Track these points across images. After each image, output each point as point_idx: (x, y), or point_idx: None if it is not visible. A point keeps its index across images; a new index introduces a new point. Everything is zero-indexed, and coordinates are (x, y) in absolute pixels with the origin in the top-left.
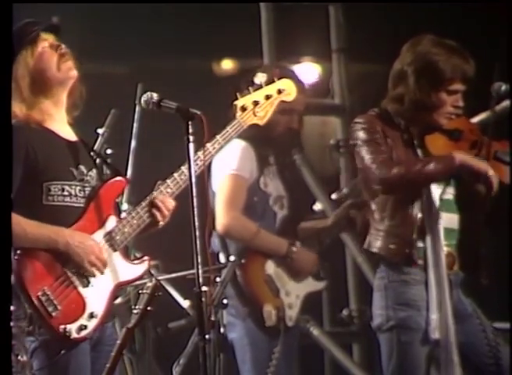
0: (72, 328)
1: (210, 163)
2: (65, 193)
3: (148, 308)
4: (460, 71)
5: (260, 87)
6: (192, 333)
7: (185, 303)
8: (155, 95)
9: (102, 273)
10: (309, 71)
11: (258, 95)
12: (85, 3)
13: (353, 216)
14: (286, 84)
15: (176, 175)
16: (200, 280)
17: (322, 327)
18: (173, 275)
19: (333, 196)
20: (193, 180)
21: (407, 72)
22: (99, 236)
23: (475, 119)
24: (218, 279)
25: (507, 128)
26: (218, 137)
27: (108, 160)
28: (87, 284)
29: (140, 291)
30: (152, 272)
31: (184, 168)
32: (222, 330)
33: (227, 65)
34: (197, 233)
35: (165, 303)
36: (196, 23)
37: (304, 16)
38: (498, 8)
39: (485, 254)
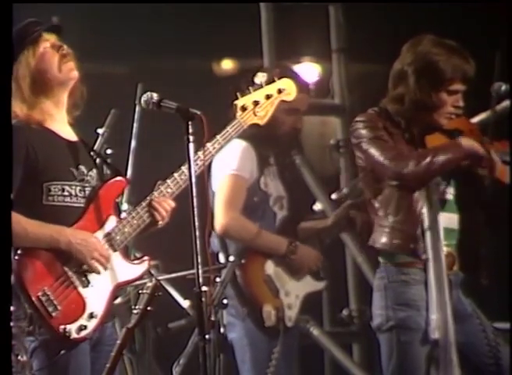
0: (72, 328)
1: (210, 163)
2: (66, 193)
3: (148, 308)
4: (460, 71)
5: (260, 86)
6: (192, 333)
7: (185, 303)
8: (155, 95)
9: (106, 268)
10: (309, 71)
11: (258, 95)
12: (85, 3)
13: (353, 216)
14: (287, 84)
15: (176, 175)
16: (200, 280)
17: (322, 327)
18: (173, 275)
19: (333, 196)
20: (194, 180)
21: (408, 72)
22: (99, 236)
23: (475, 119)
24: (218, 279)
25: (507, 128)
26: (218, 137)
27: (108, 160)
28: (87, 284)
29: (140, 291)
30: (152, 272)
31: (184, 168)
32: (221, 330)
33: (227, 65)
34: (197, 233)
35: (165, 303)
36: (196, 23)
37: (304, 16)
38: (498, 8)
39: (485, 254)
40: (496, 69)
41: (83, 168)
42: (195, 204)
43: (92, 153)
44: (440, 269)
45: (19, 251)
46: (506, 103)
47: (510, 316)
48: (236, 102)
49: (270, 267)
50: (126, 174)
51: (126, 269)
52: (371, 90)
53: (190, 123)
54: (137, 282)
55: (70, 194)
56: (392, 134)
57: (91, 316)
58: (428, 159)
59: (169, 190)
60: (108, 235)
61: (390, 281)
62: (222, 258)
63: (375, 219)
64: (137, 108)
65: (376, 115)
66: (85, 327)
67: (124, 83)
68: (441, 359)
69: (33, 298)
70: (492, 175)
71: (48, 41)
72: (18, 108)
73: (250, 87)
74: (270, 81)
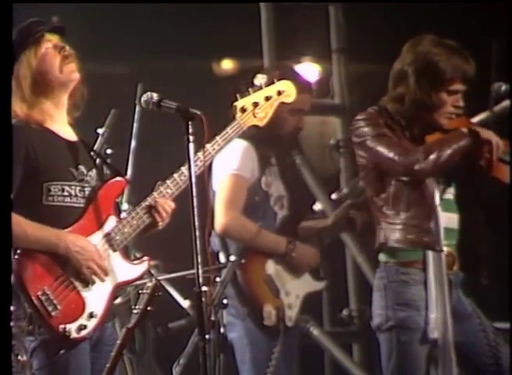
0: (72, 328)
1: (211, 163)
2: (65, 193)
3: (148, 308)
4: (460, 71)
5: (260, 88)
6: (192, 333)
7: (185, 303)
8: (155, 95)
9: (103, 280)
10: (309, 71)
11: (258, 96)
12: (85, 3)
13: (353, 215)
14: (286, 86)
15: (175, 175)
16: (200, 280)
17: (322, 327)
18: (173, 275)
19: (333, 196)
20: (194, 180)
21: (408, 72)
22: (99, 236)
23: (475, 119)
24: (218, 279)
25: (507, 128)
26: (217, 138)
27: (108, 160)
28: (86, 285)
29: (140, 291)
30: (152, 272)
31: (184, 168)
32: (221, 330)
33: (227, 65)
34: (197, 233)
35: (165, 303)
36: (196, 23)
37: (304, 16)
38: (498, 8)
39: (485, 254)
40: (492, 68)
41: (82, 168)
42: (195, 204)
43: (92, 153)
44: (440, 268)
45: (18, 251)
46: (505, 103)
47: (510, 315)
48: (235, 104)
49: (271, 267)
50: (126, 174)
51: (126, 269)
52: (371, 90)
53: (190, 123)
54: (137, 282)
55: (70, 195)
56: (394, 131)
57: (91, 315)
58: (435, 153)
59: (169, 190)
60: (107, 235)
61: (390, 281)
62: (222, 257)
63: (379, 217)
64: (137, 108)
65: (376, 113)
66: (85, 327)
67: (124, 83)
68: (440, 359)
69: (33, 298)
70: (490, 160)
71: (51, 41)
72: (18, 108)
73: (250, 89)
74: (269, 83)
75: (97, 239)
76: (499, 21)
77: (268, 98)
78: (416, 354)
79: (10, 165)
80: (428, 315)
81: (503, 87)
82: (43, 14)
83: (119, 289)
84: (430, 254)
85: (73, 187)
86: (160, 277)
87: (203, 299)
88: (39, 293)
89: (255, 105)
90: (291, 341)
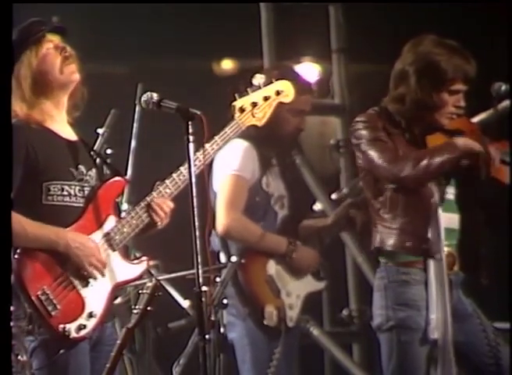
0: (72, 327)
1: (212, 163)
2: (65, 193)
3: (148, 308)
4: (461, 71)
5: (258, 88)
6: (192, 333)
7: (185, 303)
8: (155, 95)
9: (103, 274)
10: (309, 71)
11: (256, 96)
12: (85, 3)
13: (353, 215)
14: (285, 86)
15: (174, 175)
16: (200, 280)
17: (322, 327)
18: (173, 275)
19: (333, 196)
20: (193, 180)
21: (409, 72)
22: (98, 236)
23: (475, 119)
24: (218, 279)
25: (507, 128)
26: (216, 137)
27: (108, 160)
28: (86, 284)
29: (140, 291)
30: (152, 272)
31: (183, 168)
32: (222, 330)
33: (227, 65)
34: (197, 233)
35: (165, 303)
36: (196, 23)
37: (304, 16)
38: (498, 8)
39: (485, 254)
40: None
41: (82, 168)
42: (195, 204)
43: (92, 153)
44: (441, 269)
45: (18, 251)
46: (505, 103)
47: (510, 315)
48: (234, 103)
49: (272, 267)
50: (126, 174)
51: (125, 269)
52: (371, 90)
53: (190, 123)
54: (137, 282)
55: (69, 194)
56: (392, 135)
57: (90, 315)
58: (425, 161)
59: (168, 190)
60: (107, 235)
61: (390, 281)
62: (222, 257)
63: (376, 220)
64: (137, 108)
65: (376, 115)
66: (84, 327)
67: (124, 83)
68: (440, 359)
69: (33, 297)
70: (488, 172)
71: (52, 41)
72: (18, 108)
73: (248, 89)
74: (268, 83)
75: (96, 239)
76: (499, 21)
77: (266, 98)
78: (416, 354)
79: (10, 164)
80: (428, 315)
81: (503, 87)
82: (43, 14)
83: (118, 289)
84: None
85: (73, 187)
86: (160, 277)
87: (203, 299)
88: (39, 293)
89: (254, 105)
90: (292, 341)
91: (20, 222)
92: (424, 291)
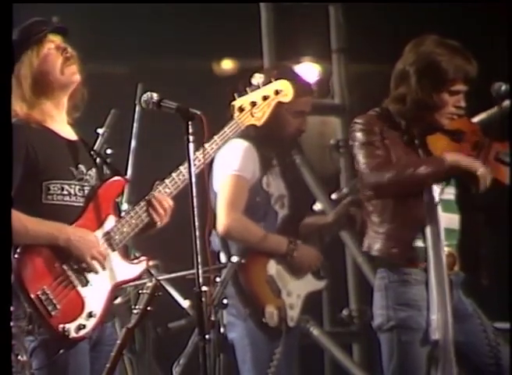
0: (71, 327)
1: (212, 163)
2: (65, 192)
3: (148, 308)
4: (462, 72)
5: (257, 87)
6: (192, 333)
7: (185, 303)
8: (155, 95)
9: (104, 267)
10: (309, 71)
11: (255, 96)
12: (85, 3)
13: (354, 213)
14: (283, 85)
15: (174, 175)
16: (200, 280)
17: (322, 327)
18: (173, 275)
19: (333, 196)
20: (193, 179)
21: (409, 72)
22: (98, 235)
23: (475, 119)
24: (218, 279)
25: (507, 128)
26: (215, 137)
27: (108, 160)
28: (85, 284)
29: (140, 291)
30: (152, 272)
31: (182, 168)
32: (222, 330)
33: (227, 65)
34: (197, 233)
35: (165, 303)
36: (196, 23)
37: (304, 16)
38: (498, 8)
39: (485, 254)
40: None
41: (82, 167)
42: (195, 204)
43: (92, 153)
44: (441, 269)
45: (18, 250)
46: (505, 103)
47: (510, 316)
48: (233, 103)
49: (272, 267)
50: (126, 174)
51: (125, 269)
52: (370, 90)
53: (190, 123)
54: (137, 282)
55: (69, 193)
56: (389, 139)
57: (90, 315)
58: (409, 171)
59: (167, 190)
60: (106, 234)
61: (391, 281)
62: (223, 257)
63: (367, 223)
64: (137, 108)
65: (375, 117)
66: (84, 326)
67: (124, 83)
68: (441, 359)
69: (33, 297)
70: (477, 189)
71: (53, 42)
72: (18, 107)
73: (248, 88)
74: (267, 82)
75: None
76: (499, 21)
77: (265, 98)
78: (417, 354)
79: (10, 164)
80: (429, 316)
81: (503, 87)
82: (43, 14)
83: (118, 289)
84: (431, 254)
85: (73, 186)
86: (160, 277)
87: (203, 299)
88: (39, 292)
89: (253, 104)
90: (292, 341)
91: (20, 219)
92: (425, 291)
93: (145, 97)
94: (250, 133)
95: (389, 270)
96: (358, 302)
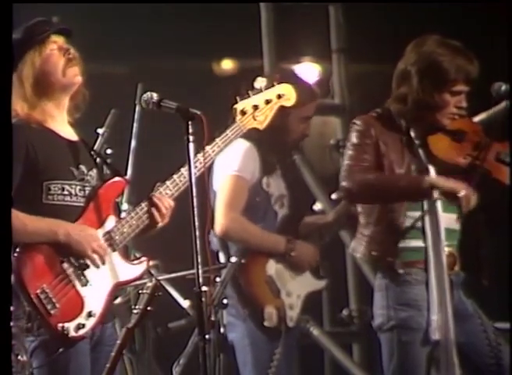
0: (71, 326)
1: (213, 162)
2: (65, 192)
3: (148, 308)
4: (463, 72)
5: (260, 91)
6: (192, 333)
7: (185, 303)
8: (155, 95)
9: (104, 262)
10: (309, 71)
11: (258, 99)
12: (85, 3)
13: (354, 212)
14: (286, 89)
15: (175, 177)
16: (200, 280)
17: (322, 327)
18: (173, 275)
19: (333, 196)
20: (193, 180)
21: (411, 72)
22: (98, 235)
23: (475, 119)
24: (218, 279)
25: (507, 128)
26: (217, 140)
27: (108, 160)
28: (85, 283)
29: (140, 291)
30: (152, 272)
31: (183, 170)
32: (222, 330)
33: (227, 65)
34: (197, 233)
35: (165, 303)
36: (196, 23)
37: (304, 16)
38: (498, 8)
39: (485, 254)
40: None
41: (83, 167)
42: (195, 204)
43: (92, 153)
44: (441, 269)
45: (17, 249)
46: (505, 103)
47: (510, 316)
48: (235, 106)
49: (271, 268)
50: (126, 174)
51: (125, 269)
52: (371, 90)
53: (190, 123)
54: (137, 282)
55: (70, 194)
56: (386, 141)
57: (90, 314)
58: (387, 182)
59: (168, 191)
60: (107, 234)
61: (391, 281)
62: (222, 257)
63: (357, 225)
64: (137, 108)
65: (375, 119)
66: (83, 326)
67: (124, 83)
68: (442, 360)
69: (32, 296)
70: (465, 209)
71: (56, 42)
72: (19, 107)
73: (250, 91)
74: (269, 86)
75: None
76: (499, 21)
77: (268, 102)
78: (417, 354)
79: (10, 164)
80: (429, 316)
81: (503, 87)
82: (43, 14)
83: (118, 289)
84: (431, 254)
85: (73, 187)
86: (160, 277)
87: (203, 299)
88: (38, 291)
89: (255, 108)
90: (292, 342)
91: (19, 217)
92: (426, 291)
93: (145, 97)
94: (253, 135)
95: (389, 270)
96: (358, 302)
